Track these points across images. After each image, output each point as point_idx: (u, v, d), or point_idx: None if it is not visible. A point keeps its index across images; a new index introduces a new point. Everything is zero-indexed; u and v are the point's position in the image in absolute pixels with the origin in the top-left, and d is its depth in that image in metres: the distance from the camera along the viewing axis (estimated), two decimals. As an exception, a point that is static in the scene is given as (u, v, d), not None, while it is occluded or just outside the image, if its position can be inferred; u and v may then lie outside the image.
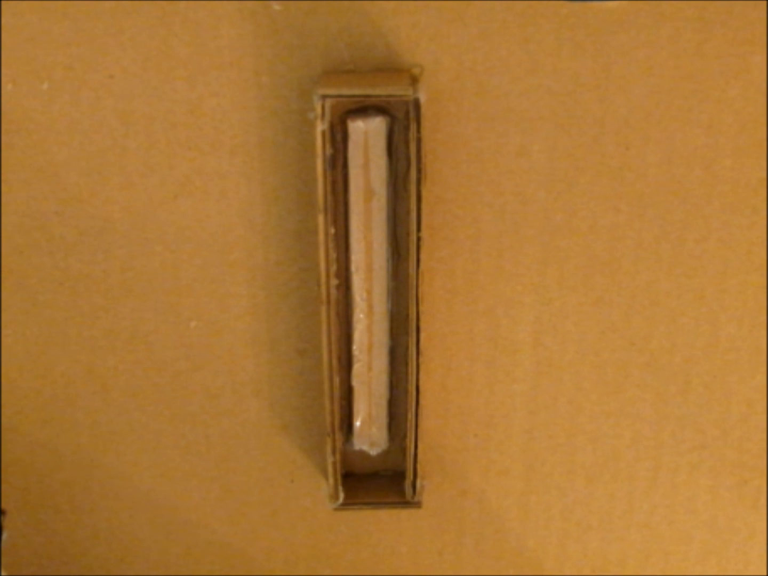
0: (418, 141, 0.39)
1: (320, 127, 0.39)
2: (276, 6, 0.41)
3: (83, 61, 0.41)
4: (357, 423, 0.46)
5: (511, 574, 0.52)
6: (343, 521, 0.50)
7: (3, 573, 0.52)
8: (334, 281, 0.42)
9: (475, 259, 0.45)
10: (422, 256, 0.41)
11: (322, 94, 0.38)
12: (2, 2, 0.41)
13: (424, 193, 0.40)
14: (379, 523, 0.50)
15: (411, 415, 0.43)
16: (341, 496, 0.46)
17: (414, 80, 0.40)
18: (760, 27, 0.41)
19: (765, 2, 0.40)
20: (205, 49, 0.41)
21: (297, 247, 0.44)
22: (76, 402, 0.48)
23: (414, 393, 0.43)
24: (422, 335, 0.42)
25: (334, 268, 0.41)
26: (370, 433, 0.46)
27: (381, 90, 0.39)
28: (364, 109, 0.40)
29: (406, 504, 0.46)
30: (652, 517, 0.50)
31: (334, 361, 0.43)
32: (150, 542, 0.51)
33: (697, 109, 0.42)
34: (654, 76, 0.42)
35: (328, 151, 0.39)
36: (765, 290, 0.45)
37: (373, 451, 0.46)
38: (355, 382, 0.45)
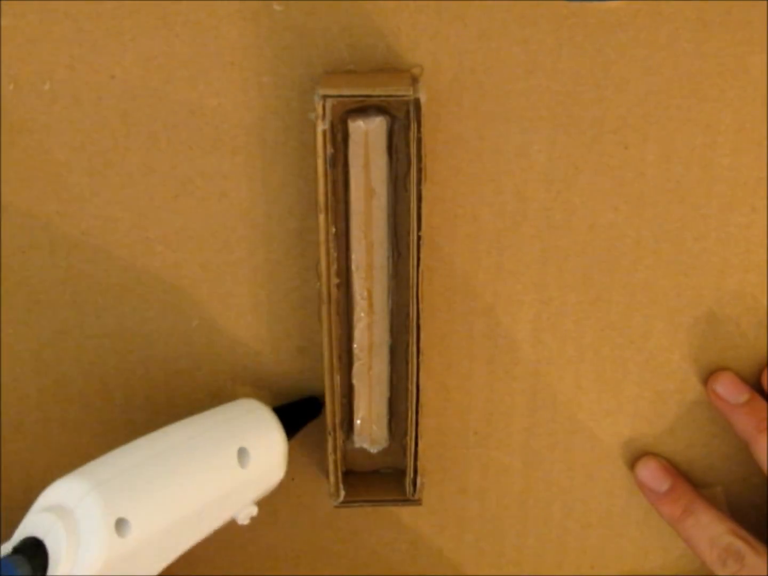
0: (419, 141, 0.39)
1: (321, 126, 0.39)
2: (277, 6, 0.41)
3: (84, 61, 0.41)
4: (357, 421, 0.46)
5: (511, 572, 0.52)
6: (344, 519, 0.50)
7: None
8: (334, 280, 0.42)
9: (475, 258, 0.45)
10: (422, 255, 0.41)
11: (323, 94, 0.39)
12: (2, 2, 0.41)
13: (424, 193, 0.40)
14: (380, 520, 0.50)
15: (411, 413, 0.44)
16: (342, 493, 0.46)
17: (414, 80, 0.40)
18: (759, 27, 0.41)
19: (765, 2, 0.41)
20: (206, 50, 0.41)
21: (298, 246, 0.45)
22: (76, 402, 0.48)
23: (414, 391, 0.43)
24: (422, 334, 0.42)
25: (334, 267, 0.42)
26: (370, 431, 0.46)
27: (381, 90, 0.39)
28: (364, 109, 0.41)
29: (407, 501, 0.46)
30: (651, 516, 0.50)
31: (335, 360, 0.43)
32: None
33: (695, 109, 0.43)
34: (653, 76, 0.42)
35: (329, 150, 0.39)
36: (764, 290, 0.46)
37: (374, 449, 0.47)
38: (356, 381, 0.45)
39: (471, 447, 0.49)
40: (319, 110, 0.39)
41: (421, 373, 0.43)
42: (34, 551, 0.35)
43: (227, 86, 0.42)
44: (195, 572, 0.52)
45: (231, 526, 0.51)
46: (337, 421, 0.44)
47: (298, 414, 0.46)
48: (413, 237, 0.41)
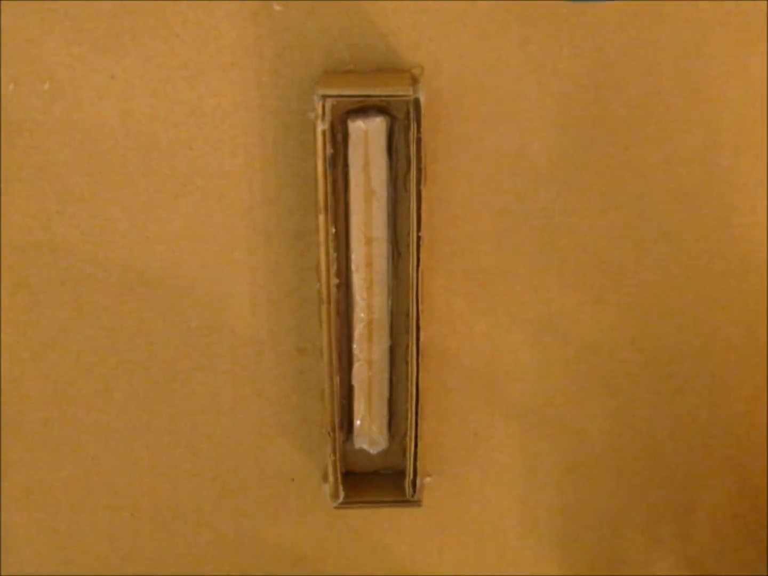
0: (418, 141, 0.39)
1: (321, 127, 0.39)
2: (276, 6, 0.41)
3: (85, 61, 0.41)
4: (357, 422, 0.46)
5: (511, 573, 0.52)
6: (344, 520, 0.50)
7: (3, 573, 0.52)
8: (334, 280, 0.42)
9: (475, 259, 0.45)
10: (422, 256, 0.41)
11: (323, 94, 0.39)
12: (2, 2, 0.41)
13: (424, 193, 0.40)
14: (380, 521, 0.50)
15: (411, 414, 0.44)
16: (341, 494, 0.46)
17: (414, 80, 0.40)
18: (759, 27, 0.41)
19: (765, 2, 0.41)
20: (206, 50, 0.41)
21: (297, 246, 0.45)
22: (76, 402, 0.48)
23: (414, 392, 0.43)
24: (422, 334, 0.42)
25: (334, 267, 0.42)
26: (370, 432, 0.46)
27: (381, 90, 0.39)
28: (364, 109, 0.41)
29: (406, 502, 0.46)
30: (651, 516, 0.50)
31: (335, 360, 0.43)
32: (150, 542, 0.51)
33: (696, 110, 0.43)
34: (653, 76, 0.42)
35: (329, 150, 0.39)
36: (764, 290, 0.46)
37: (373, 450, 0.46)
38: (355, 382, 0.45)
39: (471, 448, 0.49)
40: (319, 110, 0.39)
41: (420, 374, 0.43)
42: None
43: (227, 86, 0.42)
44: (195, 572, 0.52)
45: (231, 526, 0.51)
46: (337, 422, 0.44)
47: None
48: (413, 237, 0.41)
